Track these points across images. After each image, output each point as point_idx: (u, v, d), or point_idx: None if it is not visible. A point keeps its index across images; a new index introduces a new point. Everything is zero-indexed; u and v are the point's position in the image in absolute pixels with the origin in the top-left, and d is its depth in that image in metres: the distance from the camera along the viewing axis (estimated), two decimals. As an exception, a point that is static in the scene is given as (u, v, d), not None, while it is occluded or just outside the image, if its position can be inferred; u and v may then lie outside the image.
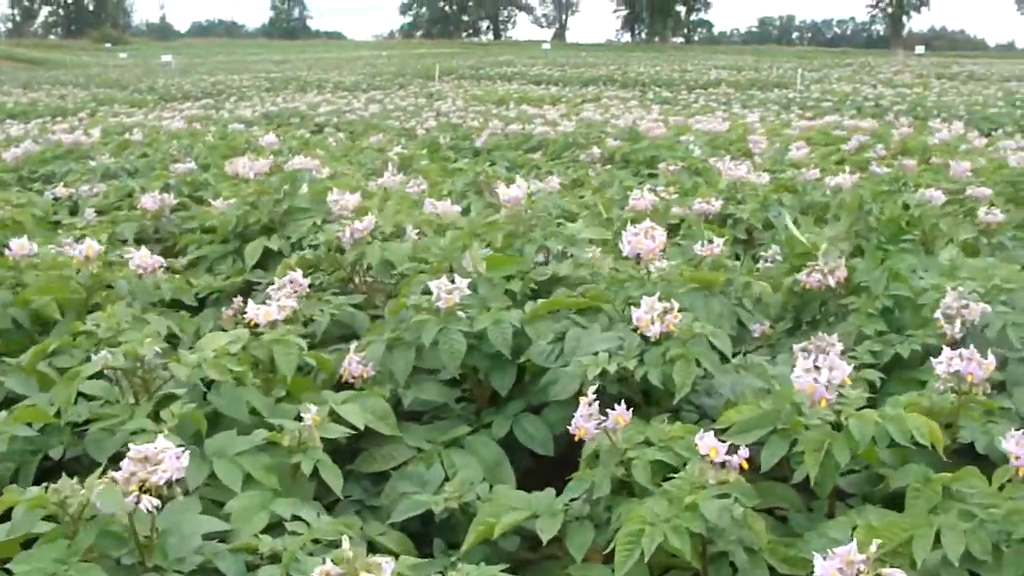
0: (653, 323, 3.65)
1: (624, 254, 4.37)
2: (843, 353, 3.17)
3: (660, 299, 3.73)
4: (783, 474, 3.27)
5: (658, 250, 4.29)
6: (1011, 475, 2.81)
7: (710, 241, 4.96)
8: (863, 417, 3.03)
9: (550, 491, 3.17)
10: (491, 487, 3.40)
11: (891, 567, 2.36)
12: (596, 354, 3.70)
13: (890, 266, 4.56)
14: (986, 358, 3.24)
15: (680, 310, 3.74)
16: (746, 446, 2.93)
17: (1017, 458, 2.80)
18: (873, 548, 2.42)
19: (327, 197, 5.84)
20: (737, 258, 6.22)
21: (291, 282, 4.51)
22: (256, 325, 3.93)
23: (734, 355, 3.87)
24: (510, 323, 3.94)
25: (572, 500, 3.12)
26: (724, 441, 2.88)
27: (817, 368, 3.09)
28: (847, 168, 7.95)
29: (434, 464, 3.62)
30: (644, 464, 3.05)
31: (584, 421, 3.11)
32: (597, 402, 3.14)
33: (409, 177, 8.01)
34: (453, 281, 4.01)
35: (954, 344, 3.53)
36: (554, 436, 3.79)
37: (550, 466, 3.67)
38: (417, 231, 5.51)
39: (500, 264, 4.67)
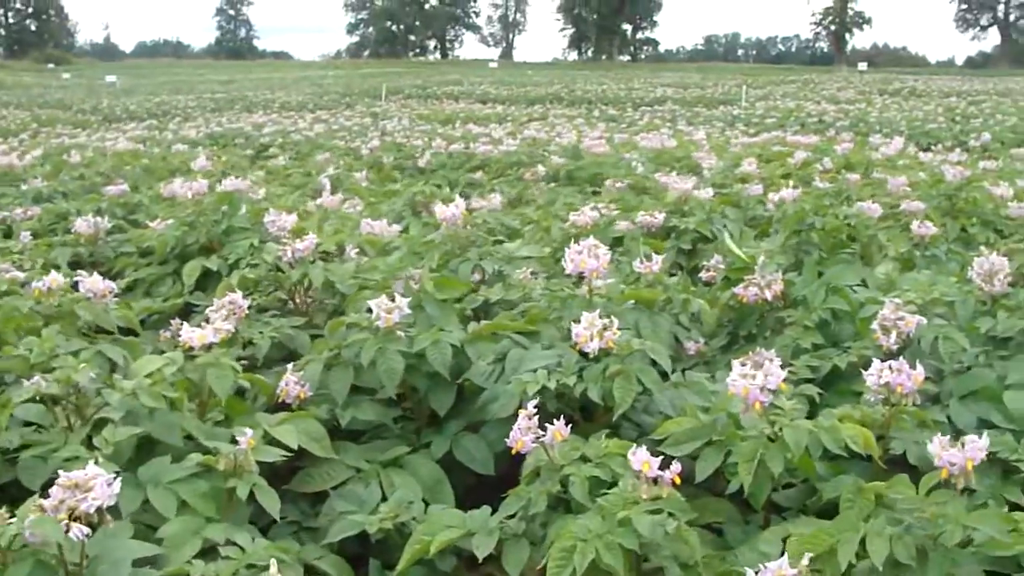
0: (592, 339, 3.63)
1: (567, 272, 4.32)
2: (781, 367, 3.18)
3: (601, 316, 3.71)
4: (721, 487, 3.27)
5: (602, 268, 4.24)
6: (937, 480, 2.83)
7: (648, 258, 4.89)
8: (797, 427, 3.05)
9: (486, 509, 3.14)
10: (427, 507, 3.37)
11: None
12: (535, 371, 3.68)
13: (828, 279, 4.58)
14: (920, 370, 3.27)
15: (622, 328, 3.73)
16: (683, 458, 2.92)
17: (943, 461, 2.82)
18: (805, 561, 2.43)
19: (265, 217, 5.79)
20: (680, 268, 6.25)
21: (230, 303, 4.42)
22: (191, 348, 3.85)
23: (672, 372, 3.86)
24: (449, 343, 3.91)
25: (508, 517, 3.10)
26: (661, 454, 2.87)
27: (753, 373, 3.10)
28: (791, 183, 8.01)
29: (372, 484, 3.58)
30: (581, 480, 3.03)
31: (522, 434, 3.09)
32: (537, 416, 3.12)
33: (346, 197, 8.01)
34: (393, 299, 3.97)
35: (891, 356, 3.55)
36: (495, 454, 3.77)
37: (492, 484, 3.64)
38: (357, 250, 5.47)
39: (446, 285, 4.63)
